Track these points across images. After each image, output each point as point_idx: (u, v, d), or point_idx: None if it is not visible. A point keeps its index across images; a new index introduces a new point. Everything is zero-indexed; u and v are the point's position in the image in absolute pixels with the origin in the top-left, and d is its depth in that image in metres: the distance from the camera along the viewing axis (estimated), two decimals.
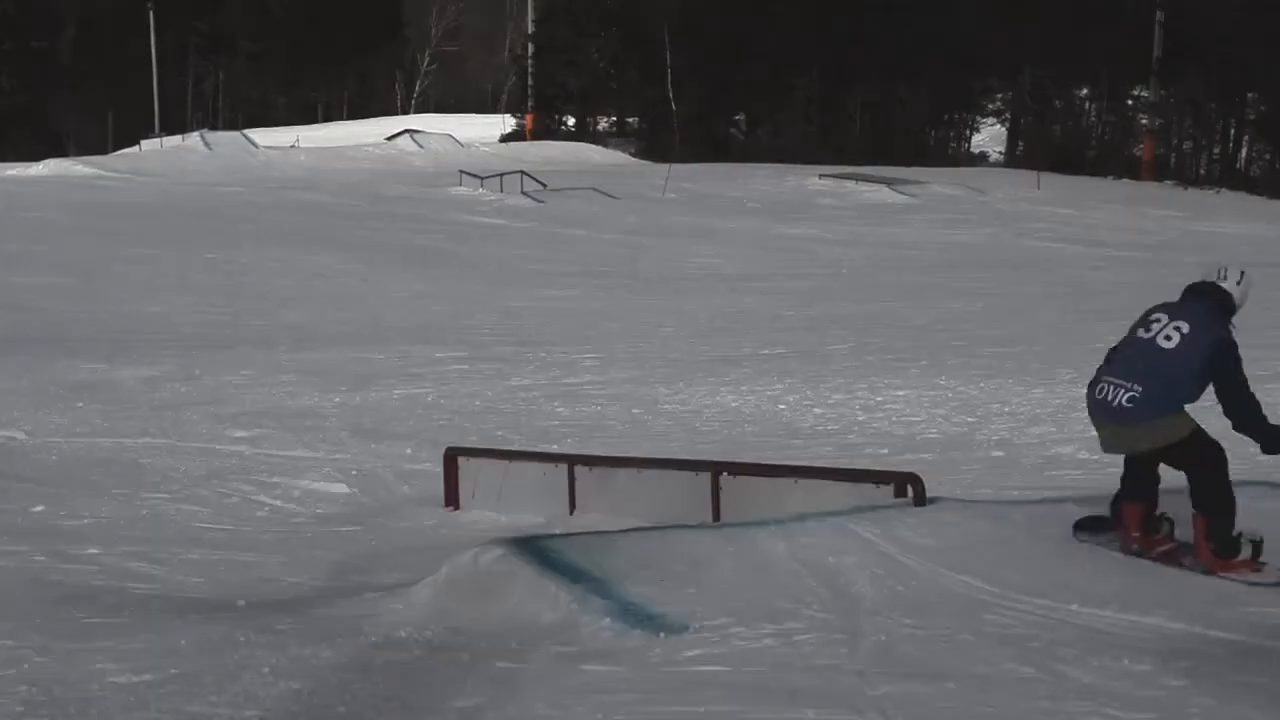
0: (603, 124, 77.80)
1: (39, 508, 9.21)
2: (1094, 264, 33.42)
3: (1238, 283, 6.62)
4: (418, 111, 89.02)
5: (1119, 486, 6.65)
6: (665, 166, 52.91)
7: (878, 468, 9.24)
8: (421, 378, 16.00)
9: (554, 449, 11.10)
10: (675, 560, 6.24)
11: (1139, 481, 6.58)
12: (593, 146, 68.21)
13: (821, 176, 51.84)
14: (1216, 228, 43.34)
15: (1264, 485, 7.92)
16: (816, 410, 13.45)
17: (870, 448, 11.57)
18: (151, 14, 67.33)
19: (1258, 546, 6.38)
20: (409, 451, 11.70)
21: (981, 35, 65.06)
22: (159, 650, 5.47)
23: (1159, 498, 6.63)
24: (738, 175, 53.54)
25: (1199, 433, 6.39)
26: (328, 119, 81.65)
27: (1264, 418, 6.45)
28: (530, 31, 76.83)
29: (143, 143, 62.53)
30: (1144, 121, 66.98)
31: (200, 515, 9.37)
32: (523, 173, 46.31)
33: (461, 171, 47.76)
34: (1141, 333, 6.55)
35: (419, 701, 4.91)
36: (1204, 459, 6.36)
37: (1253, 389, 6.49)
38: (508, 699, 4.89)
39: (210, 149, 57.94)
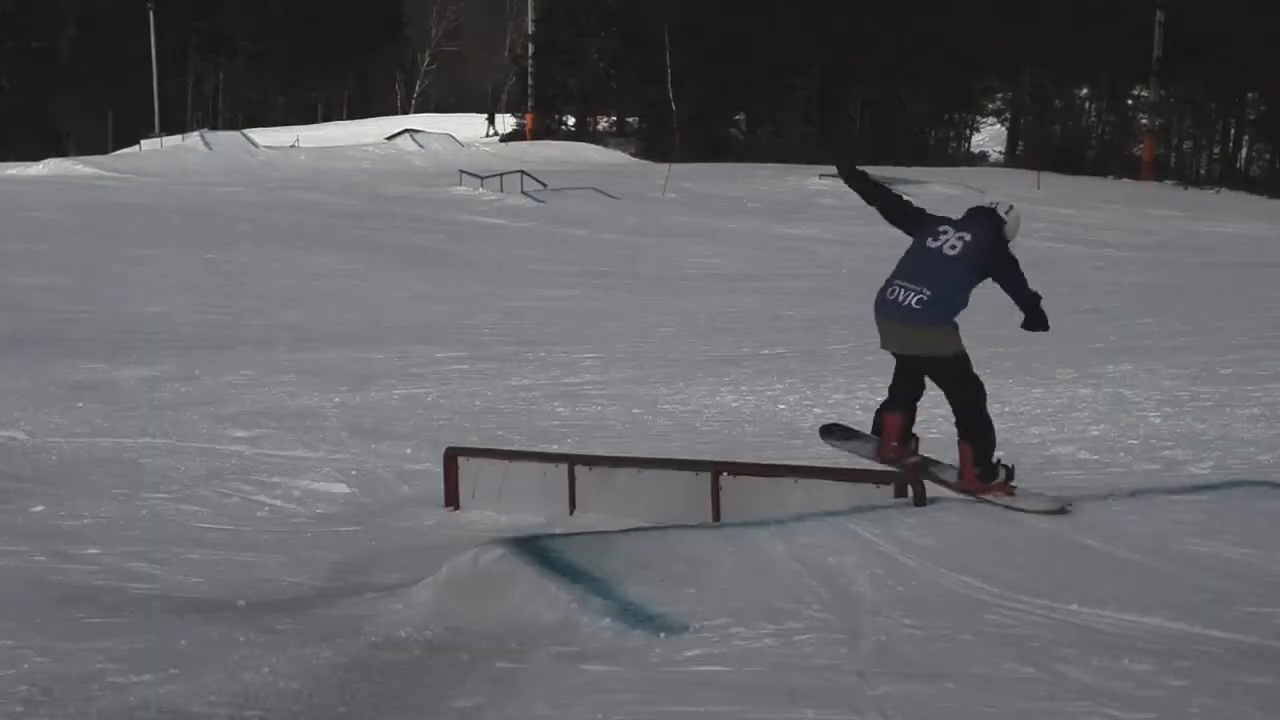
0: (603, 124, 77.81)
1: (39, 508, 9.21)
2: (1094, 264, 33.44)
3: (1008, 211, 7.31)
4: (418, 111, 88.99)
5: (887, 398, 7.50)
6: (665, 166, 52.91)
7: (878, 468, 9.25)
8: (421, 378, 16.00)
9: (554, 449, 11.10)
10: (675, 560, 6.24)
11: (904, 395, 7.46)
12: (593, 146, 68.23)
13: (821, 176, 51.84)
14: (1216, 228, 43.35)
15: (1264, 485, 7.92)
16: (816, 410, 13.44)
17: None
18: (151, 14, 67.33)
19: (1010, 472, 7.26)
20: (409, 451, 11.70)
21: (981, 35, 65.06)
22: (159, 650, 5.47)
23: (916, 414, 7.51)
24: (738, 175, 53.54)
25: (966, 359, 7.26)
26: (328, 119, 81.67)
27: (1036, 295, 7.31)
28: (530, 31, 76.84)
29: (143, 143, 62.57)
30: (1144, 121, 66.99)
31: (200, 515, 9.37)
32: (523, 173, 46.32)
33: (461, 171, 47.77)
34: (930, 242, 7.19)
35: (419, 701, 4.91)
36: (963, 383, 7.30)
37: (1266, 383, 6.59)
38: (508, 699, 4.89)
39: (210, 149, 57.96)
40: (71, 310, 22.48)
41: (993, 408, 12.98)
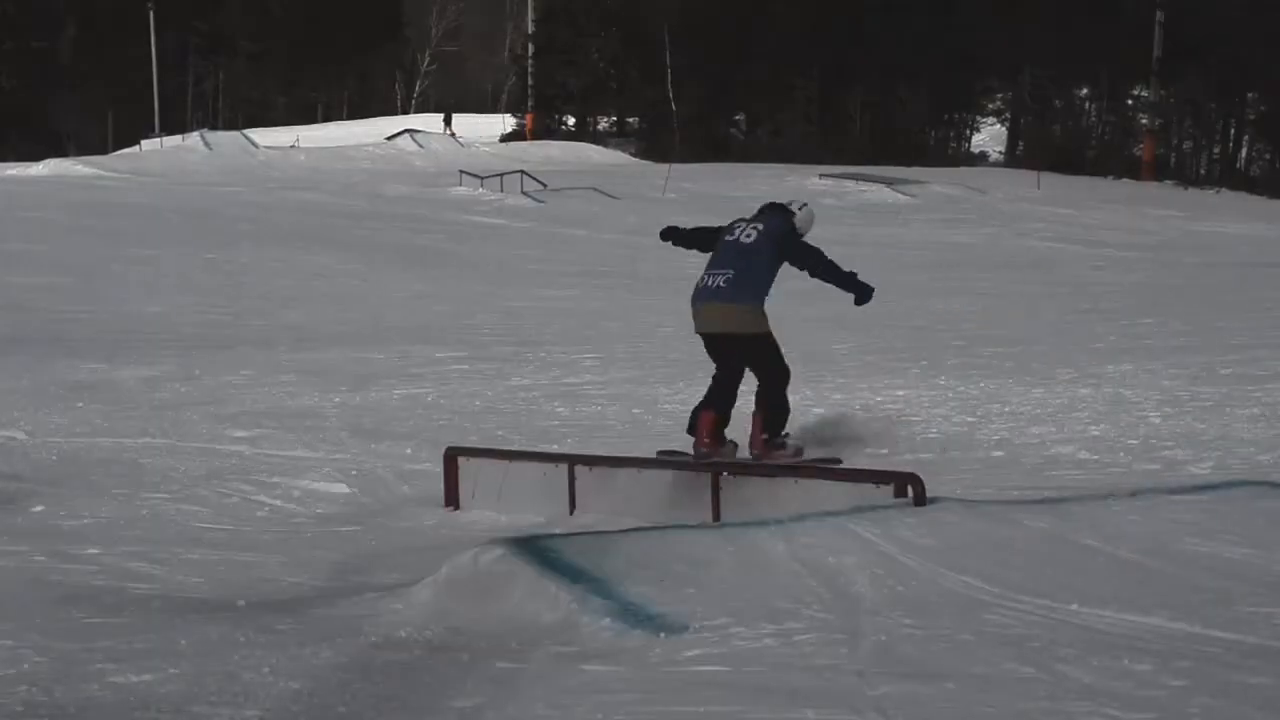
0: (603, 124, 77.83)
1: (39, 508, 9.21)
2: (1094, 264, 33.44)
3: (801, 208, 8.23)
4: (418, 111, 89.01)
5: (703, 398, 8.20)
6: (665, 166, 52.93)
7: (878, 468, 9.25)
8: (421, 378, 16.00)
9: (554, 449, 11.09)
10: (675, 560, 6.23)
11: (719, 396, 8.16)
12: (593, 146, 68.28)
13: (821, 176, 51.87)
14: (1216, 228, 43.35)
15: (1264, 485, 7.91)
16: (817, 410, 13.44)
17: (870, 448, 11.56)
18: (151, 14, 67.35)
19: (799, 451, 8.28)
20: (409, 451, 11.70)
21: (981, 35, 65.08)
22: (159, 650, 5.46)
23: (731, 415, 8.11)
24: (738, 175, 53.55)
25: (774, 343, 7.96)
26: (328, 119, 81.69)
27: (850, 273, 8.05)
28: (530, 31, 76.85)
29: (143, 143, 62.64)
30: (1144, 121, 67.00)
31: (200, 515, 9.37)
32: (523, 173, 46.34)
33: (461, 171, 47.79)
34: (728, 237, 8.12)
35: (419, 701, 4.91)
36: (772, 364, 7.96)
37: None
38: (508, 699, 4.89)
39: (210, 149, 58.00)
40: (71, 310, 22.48)
41: (992, 408, 13.04)
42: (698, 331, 8.15)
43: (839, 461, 8.15)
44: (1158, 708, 4.60)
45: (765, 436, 7.95)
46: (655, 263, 32.69)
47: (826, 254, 8.02)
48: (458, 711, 4.81)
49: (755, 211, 8.24)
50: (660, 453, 8.62)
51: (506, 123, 76.13)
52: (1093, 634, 5.45)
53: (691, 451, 8.19)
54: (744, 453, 8.40)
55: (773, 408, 7.99)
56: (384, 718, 4.77)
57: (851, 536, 6.51)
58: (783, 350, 8.22)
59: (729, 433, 8.48)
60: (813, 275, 8.11)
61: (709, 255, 8.21)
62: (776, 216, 8.02)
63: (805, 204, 8.22)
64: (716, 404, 8.12)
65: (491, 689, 5.01)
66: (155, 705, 4.80)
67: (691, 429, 8.21)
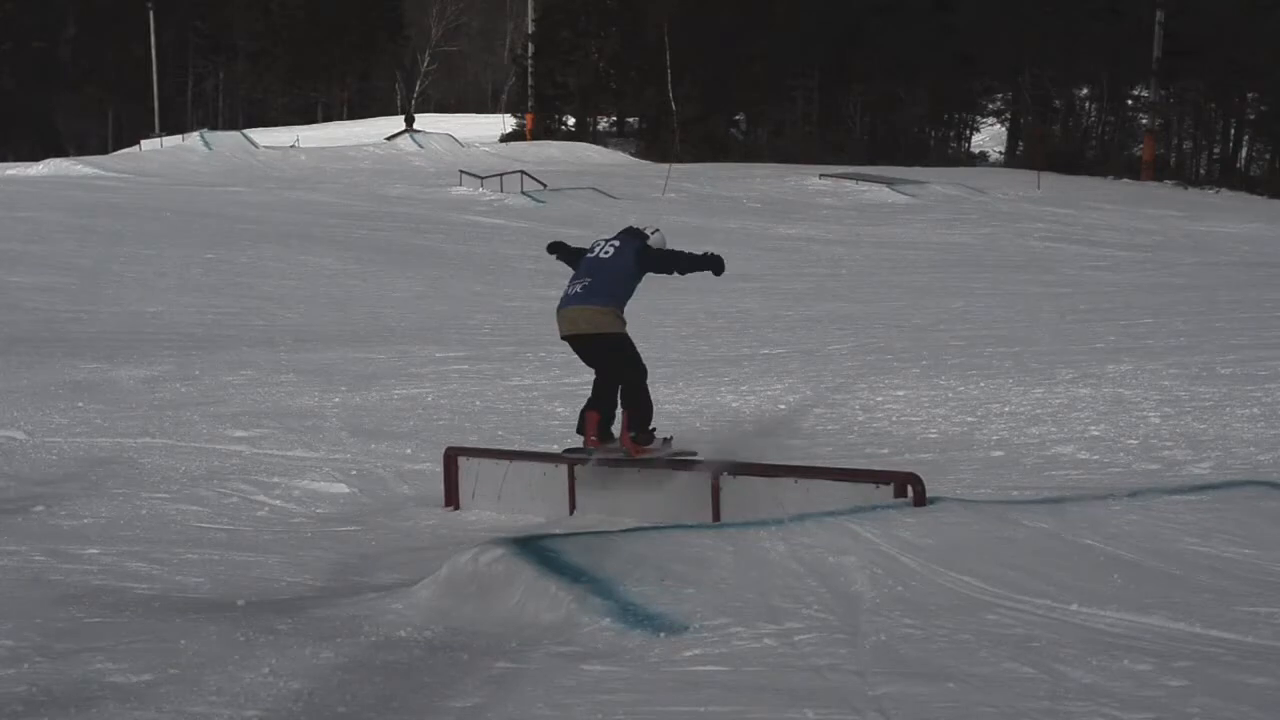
0: (603, 124, 77.82)
1: (39, 508, 9.21)
2: (1094, 264, 33.44)
3: (654, 232, 8.97)
4: (418, 111, 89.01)
5: (589, 400, 8.84)
6: (665, 166, 52.94)
7: (878, 468, 9.24)
8: (421, 378, 16.00)
9: (554, 449, 11.10)
10: (675, 560, 6.23)
11: (600, 397, 8.77)
12: (593, 146, 68.27)
13: (821, 176, 51.88)
14: (1216, 228, 43.35)
15: (1264, 485, 7.91)
16: (816, 410, 13.44)
17: (870, 448, 11.56)
18: (151, 14, 67.35)
19: (668, 442, 8.91)
20: (409, 451, 11.71)
21: (981, 35, 65.08)
22: (159, 650, 5.47)
23: (614, 414, 8.74)
24: (738, 175, 53.57)
25: (631, 344, 8.68)
26: (328, 119, 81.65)
27: (699, 254, 8.82)
28: (530, 31, 76.83)
29: (143, 143, 62.62)
30: (1144, 121, 66.99)
31: (200, 515, 9.37)
32: (523, 173, 46.34)
33: (461, 171, 47.79)
34: (589, 254, 8.84)
35: (419, 701, 4.91)
36: (630, 363, 8.66)
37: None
38: (507, 699, 4.89)
39: (210, 149, 57.96)
40: (71, 310, 22.49)
41: (992, 408, 13.05)
42: (561, 336, 8.84)
43: (694, 454, 8.92)
44: (1158, 708, 4.60)
45: (632, 435, 8.71)
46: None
47: (682, 252, 8.82)
48: (458, 711, 4.81)
49: (615, 234, 9.03)
50: (565, 451, 9.26)
51: (506, 123, 76.14)
52: (1093, 634, 5.45)
53: (584, 447, 8.94)
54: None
55: (636, 406, 8.64)
56: (384, 718, 4.77)
57: (851, 536, 6.51)
58: (640, 351, 8.94)
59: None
60: (681, 274, 8.92)
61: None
62: (630, 237, 8.84)
63: (657, 229, 9.00)
64: (597, 403, 8.80)
65: (491, 689, 5.01)
66: (155, 705, 4.80)
67: (580, 429, 8.88)
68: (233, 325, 21.42)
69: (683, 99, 68.91)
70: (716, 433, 12.66)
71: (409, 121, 67.71)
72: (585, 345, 8.75)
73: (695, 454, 8.89)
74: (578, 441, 9.27)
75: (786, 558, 6.30)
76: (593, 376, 9.01)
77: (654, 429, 8.79)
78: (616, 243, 8.82)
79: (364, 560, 8.11)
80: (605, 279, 8.63)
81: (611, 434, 8.81)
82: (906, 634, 5.44)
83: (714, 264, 8.79)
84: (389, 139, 64.13)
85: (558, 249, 9.51)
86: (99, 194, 39.87)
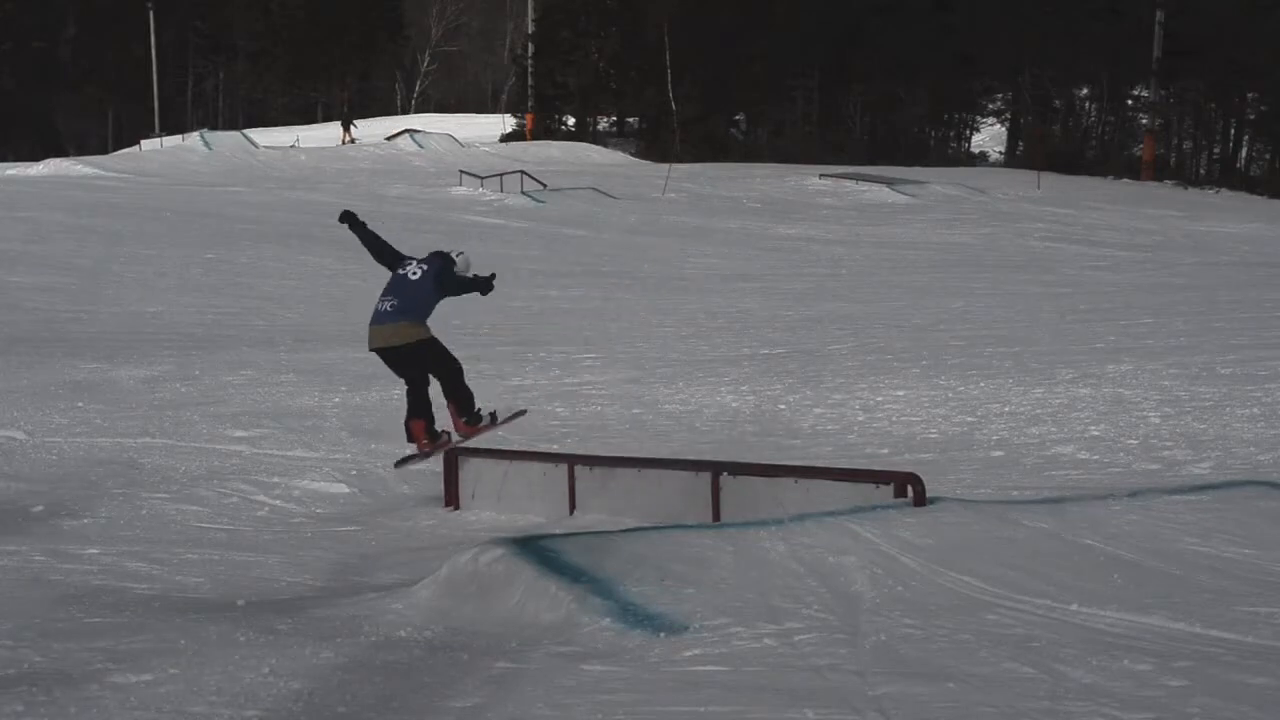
0: (603, 124, 77.79)
1: (39, 508, 9.21)
2: (1094, 264, 33.44)
3: (459, 255, 9.76)
4: (418, 111, 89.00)
5: (406, 412, 9.53)
6: (665, 166, 52.93)
7: (878, 468, 9.24)
8: None
9: (554, 449, 11.10)
10: (675, 560, 6.23)
11: (417, 403, 9.48)
12: (593, 146, 68.23)
13: (821, 176, 51.87)
14: (1216, 228, 43.35)
15: (1264, 485, 7.92)
16: (816, 410, 13.44)
17: (870, 448, 11.57)
18: (151, 14, 67.33)
19: (495, 415, 9.68)
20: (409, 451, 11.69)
21: (981, 35, 65.07)
22: (159, 650, 5.46)
23: (432, 413, 9.52)
24: (738, 175, 53.56)
25: (439, 345, 9.40)
26: (328, 119, 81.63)
27: (483, 277, 9.64)
28: (530, 31, 76.81)
29: (143, 143, 62.59)
30: (1144, 121, 66.97)
31: (200, 515, 9.37)
32: (523, 173, 46.33)
33: (461, 171, 47.78)
34: (399, 271, 9.54)
35: (419, 701, 4.91)
36: (442, 360, 9.38)
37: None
38: (507, 699, 4.89)
39: (210, 149, 57.94)
40: (71, 310, 22.48)
41: (992, 408, 13.05)
42: (371, 349, 9.56)
43: (524, 412, 10.02)
44: (1158, 708, 4.60)
45: (464, 420, 9.52)
46: (655, 263, 32.73)
47: (482, 279, 9.64)
48: (458, 711, 4.81)
49: (425, 255, 9.78)
50: (398, 463, 9.88)
51: (506, 123, 76.09)
52: (1093, 634, 5.45)
53: (417, 452, 9.62)
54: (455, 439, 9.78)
55: (459, 397, 9.47)
56: (384, 718, 4.77)
57: (851, 536, 6.51)
58: (448, 347, 9.60)
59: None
60: (483, 293, 9.77)
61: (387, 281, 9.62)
62: (437, 260, 9.61)
63: (462, 252, 9.88)
64: (418, 411, 9.51)
65: (491, 689, 5.01)
66: (155, 705, 4.80)
67: (410, 438, 9.55)
68: (233, 325, 21.42)
69: (683, 99, 68.88)
70: (715, 432, 12.67)
71: (347, 128, 65.30)
72: (396, 356, 9.44)
73: (524, 410, 10.14)
74: (415, 445, 9.68)
75: (786, 558, 6.30)
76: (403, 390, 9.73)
77: (479, 409, 9.57)
78: (425, 265, 9.54)
79: (364, 560, 8.11)
80: (411, 299, 9.39)
81: (438, 432, 9.56)
82: (906, 634, 5.44)
83: (485, 284, 9.70)
84: (389, 139, 64.08)
85: (352, 222, 10.09)
86: (99, 194, 39.86)
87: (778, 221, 41.85)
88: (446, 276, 9.49)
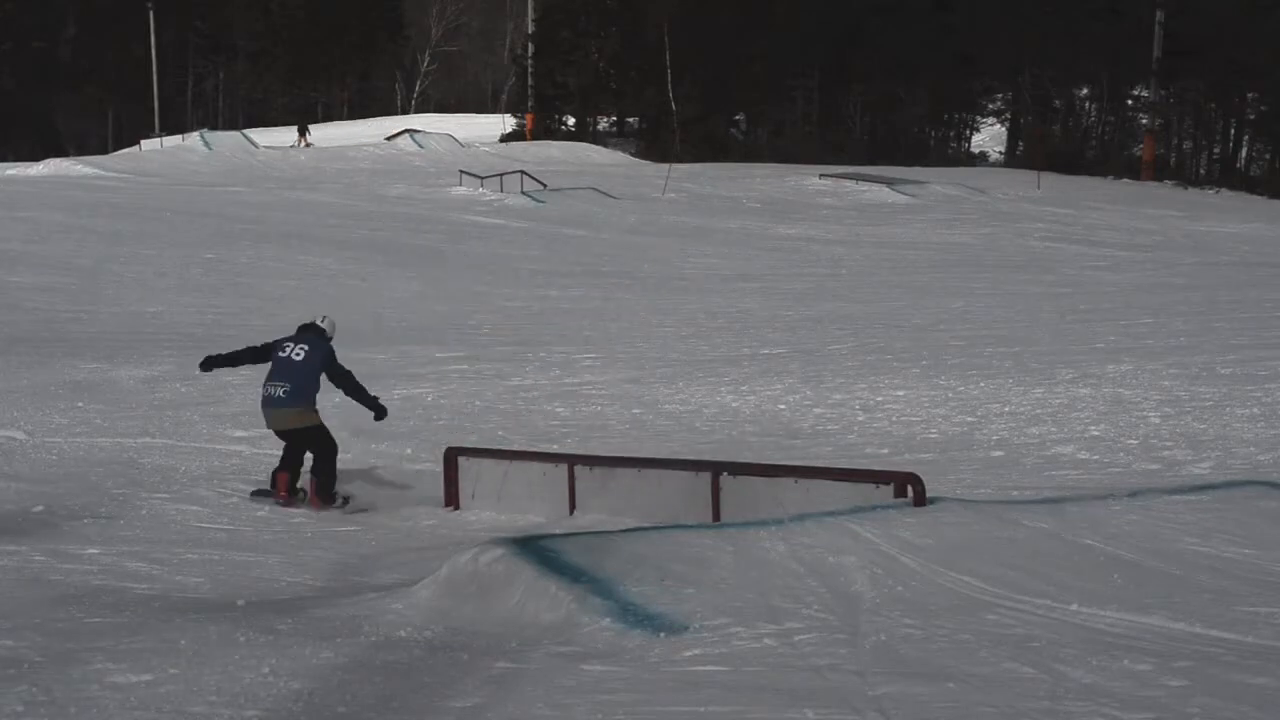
0: (603, 124, 77.78)
1: (39, 508, 9.21)
2: (1094, 264, 33.44)
3: (324, 320, 10.68)
4: (418, 111, 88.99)
5: (279, 464, 10.21)
6: (665, 166, 52.93)
7: (878, 468, 9.25)
8: (421, 378, 16.01)
9: (554, 449, 11.10)
10: (675, 560, 6.23)
11: (289, 460, 10.18)
12: (593, 146, 68.20)
13: (821, 176, 51.87)
14: (1216, 228, 43.34)
15: (1264, 485, 7.92)
16: (816, 410, 13.45)
17: (870, 448, 11.57)
18: (151, 14, 67.32)
19: (348, 500, 10.22)
20: (409, 451, 11.71)
21: (981, 35, 65.06)
22: (159, 650, 5.46)
23: (300, 473, 10.20)
24: (738, 175, 53.56)
25: (324, 429, 10.20)
26: (328, 119, 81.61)
27: (368, 393, 10.44)
28: (530, 31, 76.80)
29: (143, 143, 62.57)
30: (1144, 121, 66.95)
31: (200, 515, 9.38)
32: (523, 173, 46.32)
33: (461, 171, 47.77)
34: (281, 354, 10.30)
35: (419, 701, 4.91)
36: (323, 445, 10.15)
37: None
38: (507, 699, 4.89)
39: (210, 149, 57.93)
40: (71, 310, 22.49)
41: (992, 408, 13.05)
42: (269, 428, 10.35)
43: (350, 500, 10.29)
44: (1158, 708, 4.60)
45: (321, 497, 10.12)
46: (655, 263, 32.74)
47: (355, 377, 10.45)
48: (458, 711, 4.81)
49: (296, 330, 10.60)
50: (253, 494, 10.25)
51: (506, 123, 76.05)
52: (1093, 634, 5.45)
53: (275, 498, 10.17)
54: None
55: (324, 475, 10.16)
56: (384, 718, 4.77)
57: (851, 536, 6.51)
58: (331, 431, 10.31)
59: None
60: (346, 393, 10.46)
61: (271, 365, 10.35)
62: (317, 338, 10.37)
63: (326, 316, 10.81)
64: (288, 468, 10.22)
65: (491, 689, 5.01)
66: (155, 705, 4.80)
67: (272, 484, 10.21)
68: (233, 325, 21.41)
69: (683, 99, 68.85)
70: (716, 432, 12.67)
71: (303, 132, 64.30)
72: (291, 435, 10.24)
73: (375, 505, 10.33)
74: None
75: (786, 558, 6.30)
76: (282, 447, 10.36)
77: (336, 492, 10.24)
78: (305, 346, 10.29)
79: (364, 560, 8.11)
80: (301, 383, 10.15)
81: (299, 490, 10.23)
82: (906, 634, 5.44)
83: (377, 409, 10.45)
84: (389, 139, 64.05)
85: (214, 362, 10.84)
86: (99, 194, 39.85)
87: (778, 221, 41.85)
88: (330, 363, 10.30)
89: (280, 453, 10.33)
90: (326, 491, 10.15)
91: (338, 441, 10.33)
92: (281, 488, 10.09)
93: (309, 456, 10.24)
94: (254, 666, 5.22)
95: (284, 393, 10.07)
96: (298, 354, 10.21)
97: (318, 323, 10.63)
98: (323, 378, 10.35)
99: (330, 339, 10.54)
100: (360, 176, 50.96)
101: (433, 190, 45.49)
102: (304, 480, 10.29)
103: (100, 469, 10.94)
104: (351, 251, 31.46)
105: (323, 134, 69.84)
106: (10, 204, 35.57)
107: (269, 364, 10.39)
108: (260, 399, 10.33)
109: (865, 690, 4.81)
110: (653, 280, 29.52)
